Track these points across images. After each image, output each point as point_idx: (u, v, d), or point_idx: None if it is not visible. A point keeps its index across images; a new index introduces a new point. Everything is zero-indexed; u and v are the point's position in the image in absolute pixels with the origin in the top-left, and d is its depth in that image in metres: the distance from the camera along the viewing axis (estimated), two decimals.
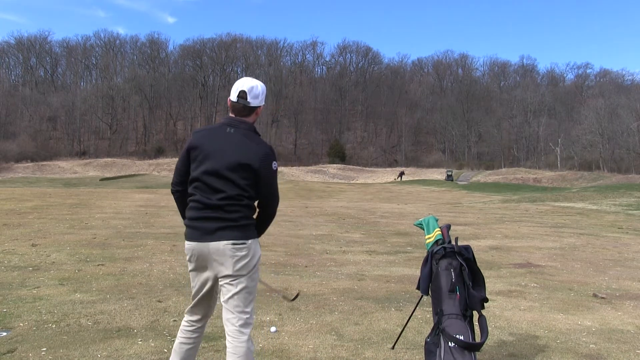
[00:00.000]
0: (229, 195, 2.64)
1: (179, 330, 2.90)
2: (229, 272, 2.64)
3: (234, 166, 2.63)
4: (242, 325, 2.67)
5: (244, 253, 2.64)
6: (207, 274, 2.72)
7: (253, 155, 2.65)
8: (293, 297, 3.47)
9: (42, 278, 5.80)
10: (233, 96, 2.75)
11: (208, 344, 3.74)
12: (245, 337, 2.67)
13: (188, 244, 2.71)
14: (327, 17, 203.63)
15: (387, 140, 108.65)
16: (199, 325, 2.89)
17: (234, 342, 2.66)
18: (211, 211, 2.65)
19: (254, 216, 2.78)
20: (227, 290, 2.69)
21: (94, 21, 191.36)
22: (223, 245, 2.61)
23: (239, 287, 2.66)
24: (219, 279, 2.70)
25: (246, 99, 2.73)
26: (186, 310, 2.92)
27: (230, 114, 2.80)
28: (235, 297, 2.67)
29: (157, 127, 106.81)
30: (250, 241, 2.68)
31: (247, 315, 2.70)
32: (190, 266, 2.76)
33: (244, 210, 2.67)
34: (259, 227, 2.80)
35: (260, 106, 2.81)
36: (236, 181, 2.64)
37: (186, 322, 2.88)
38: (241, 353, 2.65)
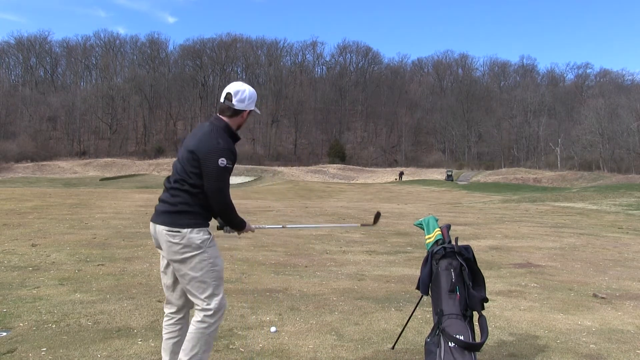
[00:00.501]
0: (175, 179, 2.80)
1: (163, 327, 2.94)
2: (166, 255, 2.80)
3: (185, 153, 2.79)
4: (199, 310, 2.79)
5: (176, 241, 2.74)
6: (163, 254, 2.88)
7: (202, 146, 2.75)
8: (373, 220, 3.63)
9: (42, 278, 5.80)
10: (221, 97, 2.92)
11: None
12: (197, 319, 2.78)
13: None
14: (327, 17, 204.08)
15: (387, 140, 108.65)
16: (179, 316, 2.95)
17: (191, 321, 2.82)
18: (164, 193, 2.85)
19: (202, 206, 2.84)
20: (180, 283, 2.85)
21: (94, 21, 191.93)
22: (161, 229, 2.77)
23: (187, 278, 2.78)
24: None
25: (231, 101, 2.87)
26: (164, 303, 2.97)
27: (217, 113, 2.97)
28: (188, 286, 2.79)
29: (157, 127, 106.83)
30: (185, 230, 2.74)
31: (205, 303, 2.78)
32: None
33: (184, 195, 2.76)
34: (222, 219, 2.94)
35: (245, 110, 2.92)
36: (185, 167, 2.77)
37: (166, 317, 2.97)
38: (190, 330, 2.79)
